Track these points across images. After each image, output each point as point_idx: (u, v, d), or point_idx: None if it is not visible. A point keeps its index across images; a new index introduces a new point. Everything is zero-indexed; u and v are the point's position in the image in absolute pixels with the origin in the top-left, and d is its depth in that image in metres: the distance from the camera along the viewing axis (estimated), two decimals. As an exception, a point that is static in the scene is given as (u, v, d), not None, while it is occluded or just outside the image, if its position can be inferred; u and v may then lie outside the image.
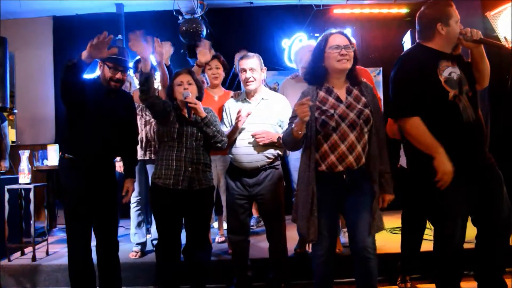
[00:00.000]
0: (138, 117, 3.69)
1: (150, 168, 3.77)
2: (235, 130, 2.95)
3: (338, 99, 2.41)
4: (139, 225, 3.86)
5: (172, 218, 2.83)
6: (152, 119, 3.68)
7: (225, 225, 3.95)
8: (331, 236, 2.43)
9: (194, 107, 2.74)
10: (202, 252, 2.94)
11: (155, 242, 3.85)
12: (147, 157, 3.78)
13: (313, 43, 3.20)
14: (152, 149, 3.77)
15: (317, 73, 2.46)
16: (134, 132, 3.16)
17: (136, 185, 3.80)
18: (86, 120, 2.82)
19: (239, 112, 2.90)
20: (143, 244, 3.83)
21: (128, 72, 4.84)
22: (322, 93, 2.43)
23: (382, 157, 2.44)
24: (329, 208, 2.41)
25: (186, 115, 2.77)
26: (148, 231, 4.17)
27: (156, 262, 2.95)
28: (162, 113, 2.84)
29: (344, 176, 2.36)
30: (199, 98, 2.92)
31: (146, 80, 2.72)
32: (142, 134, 3.76)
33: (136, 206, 3.86)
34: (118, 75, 2.86)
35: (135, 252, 3.74)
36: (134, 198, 3.84)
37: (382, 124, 2.49)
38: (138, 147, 3.71)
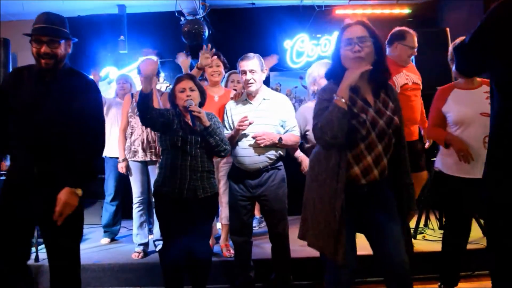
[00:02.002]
0: (138, 119, 3.68)
1: (151, 169, 3.79)
2: (236, 135, 2.95)
3: (366, 101, 2.05)
4: (141, 225, 3.87)
5: (177, 225, 2.81)
6: None
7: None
8: (354, 256, 2.09)
9: (199, 115, 2.69)
10: (203, 256, 2.93)
11: (157, 242, 3.86)
12: (147, 158, 3.78)
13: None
14: (153, 150, 3.77)
15: (336, 73, 2.07)
16: (90, 126, 2.31)
17: (138, 185, 3.83)
18: (17, 117, 2.21)
19: (244, 118, 2.89)
20: (145, 245, 3.85)
21: (129, 74, 4.86)
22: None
23: (406, 166, 2.16)
24: (350, 224, 2.05)
25: (190, 123, 2.74)
26: (150, 232, 4.17)
27: (161, 266, 2.94)
28: (163, 127, 2.79)
29: (365, 189, 2.06)
30: (202, 103, 2.90)
31: (143, 100, 2.61)
32: (143, 136, 3.76)
33: (138, 207, 3.86)
34: (44, 49, 2.18)
35: (138, 252, 3.76)
36: (136, 198, 3.85)
37: (403, 130, 2.20)
38: (139, 148, 3.73)
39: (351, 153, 2.02)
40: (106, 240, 4.40)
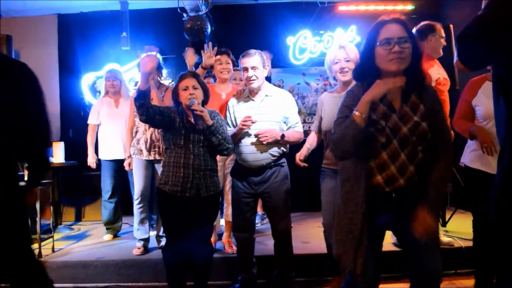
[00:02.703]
0: None
1: (158, 167, 3.77)
2: (238, 133, 2.95)
3: (390, 106, 1.92)
4: (142, 221, 3.86)
5: (180, 223, 2.80)
6: None
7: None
8: (377, 262, 2.01)
9: (201, 115, 2.68)
10: (204, 255, 2.92)
11: (160, 238, 3.87)
12: (151, 157, 3.77)
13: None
14: (157, 149, 3.75)
15: (366, 72, 1.97)
16: (29, 122, 2.05)
17: (140, 181, 3.80)
18: None
19: (248, 117, 2.88)
20: (146, 240, 3.85)
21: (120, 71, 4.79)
22: None
23: (443, 167, 1.93)
24: (374, 235, 1.97)
25: (193, 121, 2.73)
26: (152, 228, 4.18)
27: (164, 263, 2.94)
28: (162, 125, 2.79)
29: (393, 194, 1.93)
30: (205, 101, 2.88)
31: (140, 97, 2.59)
32: (146, 135, 3.75)
33: (139, 203, 3.84)
34: None
35: (138, 248, 3.76)
36: (137, 195, 3.83)
37: (446, 130, 1.98)
38: (144, 147, 3.72)
39: (374, 162, 1.92)
40: (109, 236, 4.42)
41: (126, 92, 4.50)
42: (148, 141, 3.76)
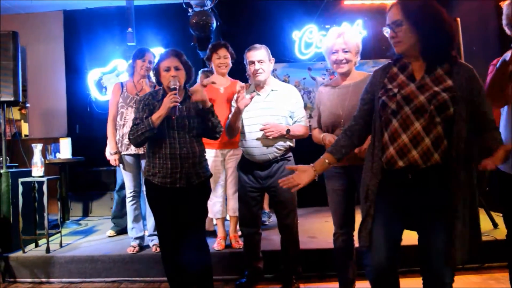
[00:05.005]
0: (130, 110, 3.64)
1: (143, 163, 3.65)
2: (237, 113, 2.91)
3: (410, 77, 1.90)
4: (136, 219, 3.78)
5: (171, 214, 2.67)
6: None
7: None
8: (388, 248, 1.93)
9: (201, 100, 2.60)
10: (201, 255, 2.74)
11: (151, 237, 3.78)
12: (141, 152, 3.65)
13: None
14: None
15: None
16: None
17: (131, 179, 3.75)
18: None
19: (239, 91, 2.84)
20: (141, 238, 3.77)
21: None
22: (395, 69, 1.97)
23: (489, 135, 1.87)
24: (388, 213, 1.93)
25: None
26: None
27: (163, 263, 2.82)
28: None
29: (409, 175, 1.85)
30: (187, 82, 2.72)
31: (147, 135, 2.55)
32: None
33: (132, 201, 3.77)
34: None
35: (133, 247, 3.67)
36: (129, 193, 3.76)
37: (484, 109, 1.85)
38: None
39: (387, 132, 1.89)
40: (111, 232, 4.38)
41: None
42: None
